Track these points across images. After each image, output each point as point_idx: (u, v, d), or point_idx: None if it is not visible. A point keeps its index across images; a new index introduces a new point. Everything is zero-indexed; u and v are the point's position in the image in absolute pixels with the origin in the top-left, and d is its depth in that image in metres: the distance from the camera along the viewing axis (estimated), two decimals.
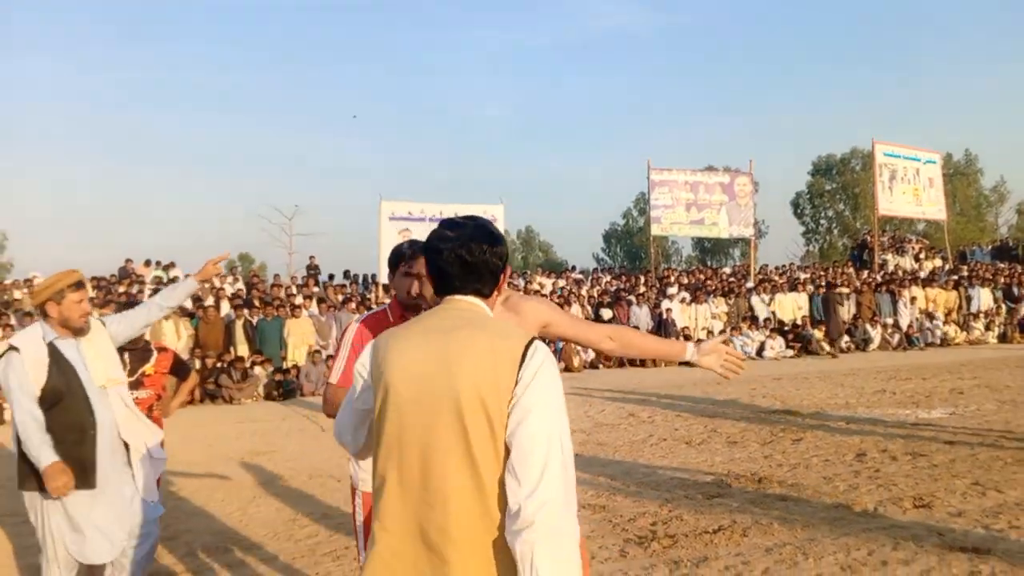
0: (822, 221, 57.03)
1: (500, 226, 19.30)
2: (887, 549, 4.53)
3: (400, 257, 2.72)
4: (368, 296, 18.47)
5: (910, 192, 23.86)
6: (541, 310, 2.56)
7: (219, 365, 13.24)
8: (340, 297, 17.20)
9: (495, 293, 1.86)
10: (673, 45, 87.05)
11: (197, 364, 12.79)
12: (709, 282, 21.17)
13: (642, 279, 21.49)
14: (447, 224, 1.83)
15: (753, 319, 18.56)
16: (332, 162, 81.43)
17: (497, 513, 1.62)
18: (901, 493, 5.79)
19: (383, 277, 16.52)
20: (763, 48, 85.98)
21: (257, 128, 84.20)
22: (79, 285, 3.44)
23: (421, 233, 18.93)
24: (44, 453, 3.23)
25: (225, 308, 15.44)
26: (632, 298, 18.54)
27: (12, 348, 3.33)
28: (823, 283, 20.21)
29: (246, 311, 14.93)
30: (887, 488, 5.96)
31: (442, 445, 1.64)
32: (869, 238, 27.31)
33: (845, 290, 19.73)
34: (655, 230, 21.78)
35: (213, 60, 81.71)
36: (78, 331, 3.43)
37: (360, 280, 20.94)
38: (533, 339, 1.70)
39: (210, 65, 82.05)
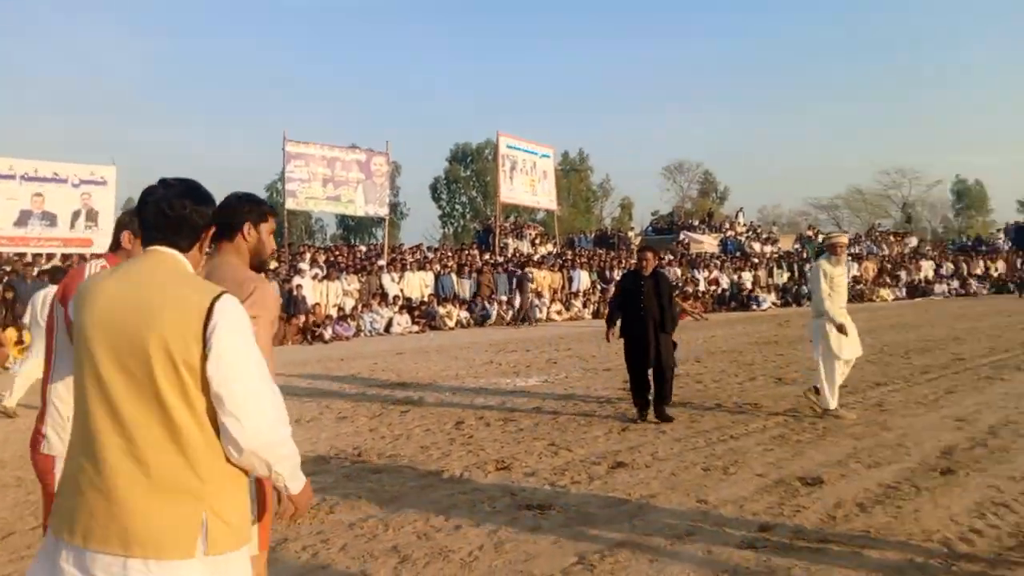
0: (457, 206, 60.82)
1: (111, 188, 17.13)
2: (463, 512, 4.74)
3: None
4: None
5: (528, 183, 26.31)
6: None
7: None
8: None
9: (196, 248, 1.99)
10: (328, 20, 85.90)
11: None
12: (343, 259, 21.12)
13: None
14: (161, 181, 1.97)
15: (383, 296, 18.93)
16: None
17: (187, 453, 1.75)
18: (487, 457, 6.17)
19: None
20: (417, 35, 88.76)
21: None
22: None
23: (6, 192, 16.13)
24: None
25: None
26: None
27: None
28: (452, 263, 21.39)
29: None
30: (475, 453, 6.32)
31: (131, 386, 1.76)
32: (493, 223, 29.67)
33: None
34: (290, 204, 21.04)
35: None
36: None
37: None
38: (222, 293, 1.82)
39: None
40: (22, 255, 16.11)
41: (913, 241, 39.98)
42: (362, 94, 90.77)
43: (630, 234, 38.89)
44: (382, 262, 21.01)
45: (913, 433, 6.88)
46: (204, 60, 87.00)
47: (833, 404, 7.55)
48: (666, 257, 28.42)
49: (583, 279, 23.67)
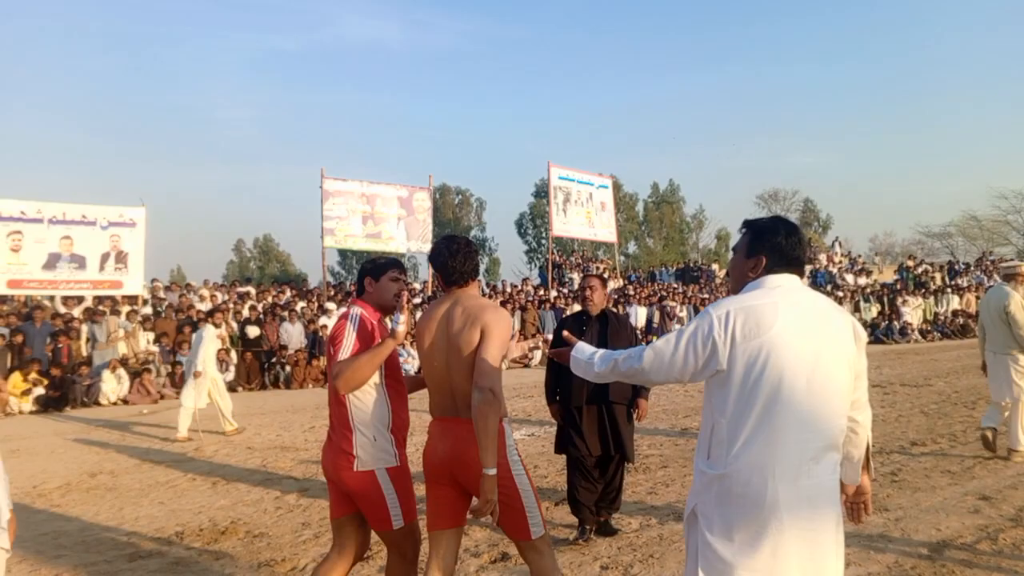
0: (544, 240, 60.07)
1: (140, 230, 17.13)
2: None
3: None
4: None
5: (584, 214, 25.07)
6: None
7: None
8: None
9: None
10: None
11: None
12: None
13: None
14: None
15: None
16: None
17: None
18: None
19: None
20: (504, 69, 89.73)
21: None
22: None
23: (35, 235, 16.37)
24: None
25: None
26: (285, 314, 17.33)
27: None
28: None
29: None
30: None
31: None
32: (558, 257, 28.55)
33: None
34: (328, 242, 20.66)
35: None
36: None
37: None
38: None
39: None
40: (49, 298, 16.35)
41: None
42: (455, 129, 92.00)
43: (715, 267, 36.88)
44: (417, 300, 20.26)
45: (912, 517, 5.29)
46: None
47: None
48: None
49: (639, 315, 22.10)
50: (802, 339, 2.21)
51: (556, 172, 24.35)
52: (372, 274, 3.38)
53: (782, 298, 2.28)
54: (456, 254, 3.12)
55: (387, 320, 3.31)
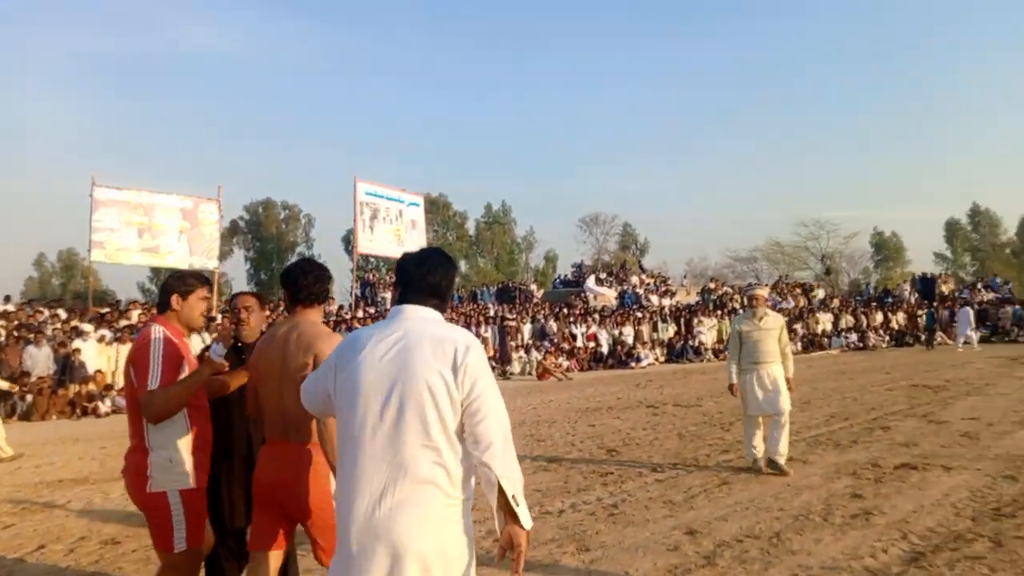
0: (371, 258, 58.70)
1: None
2: None
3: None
4: None
5: (392, 232, 24.33)
6: None
7: None
8: None
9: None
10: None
11: None
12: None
13: (61, 314, 18.02)
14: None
15: None
16: None
17: None
18: None
19: None
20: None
21: None
22: None
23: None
24: None
25: None
26: (32, 336, 15.26)
27: None
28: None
29: None
30: None
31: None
32: (370, 276, 27.64)
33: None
34: (96, 256, 18.60)
35: None
36: None
37: None
38: None
39: None
40: None
41: (821, 294, 39.05)
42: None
43: (533, 287, 37.31)
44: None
45: (609, 557, 4.91)
46: None
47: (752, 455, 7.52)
48: (557, 311, 26.66)
49: None
50: (377, 369, 2.21)
51: (363, 188, 23.47)
52: (180, 292, 3.37)
53: (380, 328, 2.31)
54: (309, 274, 3.26)
55: (193, 337, 3.02)
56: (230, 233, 66.11)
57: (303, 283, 3.22)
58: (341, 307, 24.29)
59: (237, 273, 65.85)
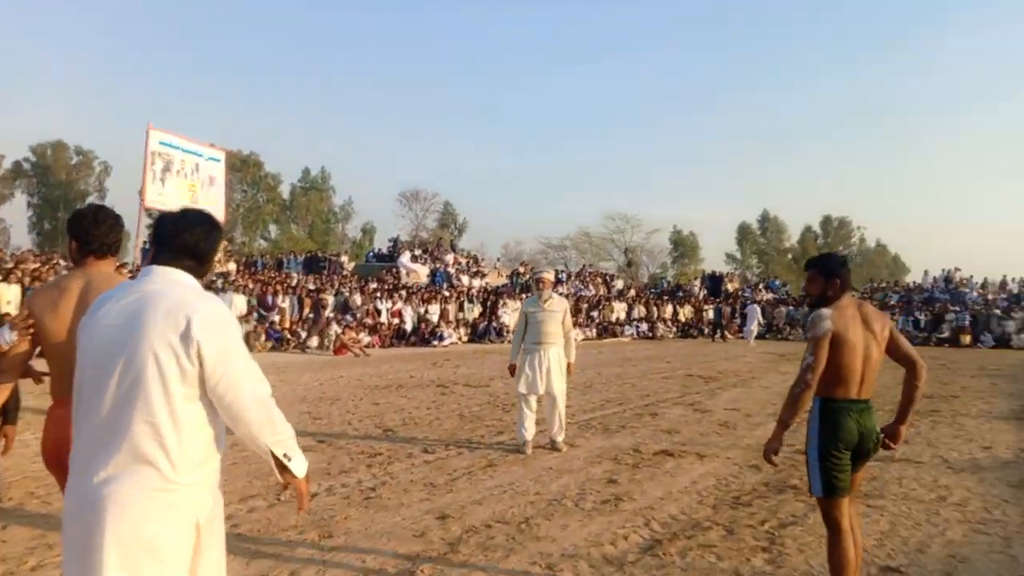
0: None
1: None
2: None
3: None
4: None
5: (186, 187, 22.53)
6: None
7: None
8: None
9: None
10: None
11: None
12: None
13: None
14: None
15: None
16: None
17: None
18: None
19: None
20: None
21: None
22: None
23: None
24: None
25: None
26: None
27: None
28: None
29: None
30: None
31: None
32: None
33: None
34: None
35: None
36: None
37: None
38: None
39: None
40: None
41: (620, 284, 41.17)
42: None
43: (344, 258, 36.21)
44: None
45: (349, 547, 4.64)
46: None
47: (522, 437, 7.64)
48: (363, 285, 25.98)
49: (236, 303, 20.33)
50: (104, 335, 2.11)
51: (156, 136, 21.52)
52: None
53: (122, 289, 2.20)
54: (103, 223, 3.09)
55: None
56: (12, 176, 58.93)
57: (95, 233, 3.04)
58: (124, 264, 22.18)
59: (17, 220, 59.05)
